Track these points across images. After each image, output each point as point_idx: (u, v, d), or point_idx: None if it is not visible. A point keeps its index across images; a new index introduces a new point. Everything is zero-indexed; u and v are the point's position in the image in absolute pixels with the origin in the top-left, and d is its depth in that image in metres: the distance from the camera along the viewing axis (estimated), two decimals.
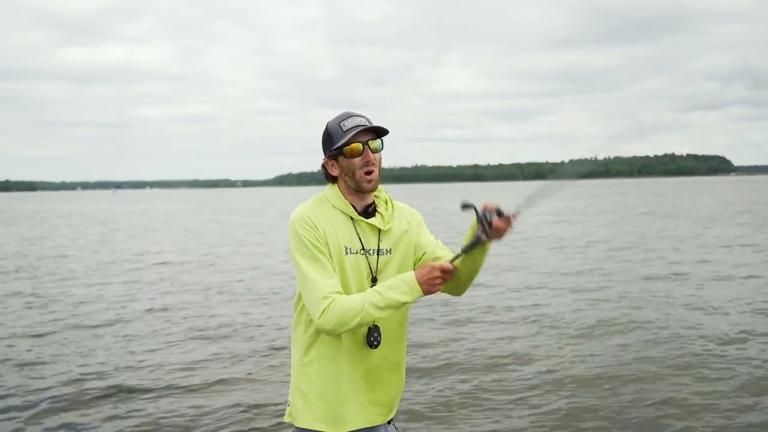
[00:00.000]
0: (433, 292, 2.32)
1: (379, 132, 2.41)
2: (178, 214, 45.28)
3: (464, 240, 2.33)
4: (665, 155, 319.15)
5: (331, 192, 2.46)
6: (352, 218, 2.43)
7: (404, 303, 2.29)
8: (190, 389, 6.10)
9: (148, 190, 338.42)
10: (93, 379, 6.42)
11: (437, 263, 2.30)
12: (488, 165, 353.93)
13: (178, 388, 6.11)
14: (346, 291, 2.36)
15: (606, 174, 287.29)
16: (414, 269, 2.41)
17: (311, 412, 2.42)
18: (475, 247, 2.25)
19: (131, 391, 6.05)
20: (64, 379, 6.42)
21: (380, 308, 2.27)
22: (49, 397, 5.88)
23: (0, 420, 5.35)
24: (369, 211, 2.47)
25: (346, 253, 2.39)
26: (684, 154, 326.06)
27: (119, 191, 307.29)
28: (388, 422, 2.55)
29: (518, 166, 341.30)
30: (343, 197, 2.44)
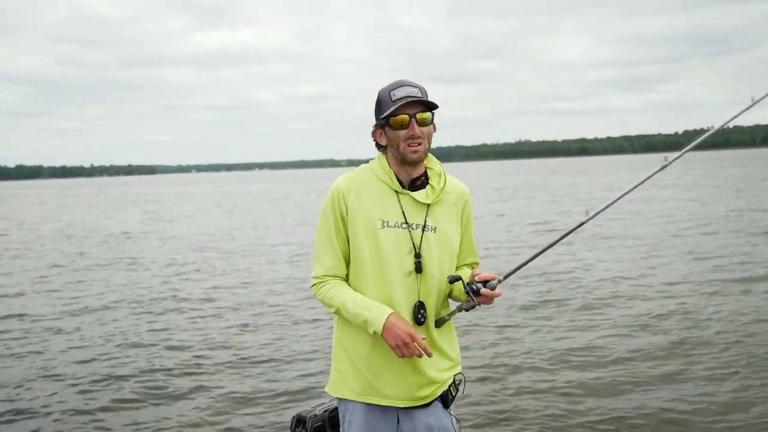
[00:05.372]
0: (399, 354, 2.26)
1: (431, 105, 2.33)
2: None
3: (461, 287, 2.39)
4: None
5: (377, 162, 2.42)
6: (396, 191, 2.37)
7: (363, 325, 2.30)
8: None
9: (257, 172, 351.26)
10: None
11: (418, 337, 2.25)
12: (596, 138, 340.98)
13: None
14: (383, 266, 2.34)
15: (724, 144, 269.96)
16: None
17: (347, 383, 2.43)
18: (467, 310, 2.36)
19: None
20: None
21: (349, 314, 2.33)
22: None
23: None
24: (417, 184, 2.40)
25: (382, 227, 2.34)
26: None
27: (229, 173, 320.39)
28: (446, 407, 2.48)
29: (628, 138, 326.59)
30: (389, 168, 2.38)
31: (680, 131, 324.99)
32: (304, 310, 8.92)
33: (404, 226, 2.35)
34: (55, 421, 5.36)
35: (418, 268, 2.35)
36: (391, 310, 2.28)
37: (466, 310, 2.34)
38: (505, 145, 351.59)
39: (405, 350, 2.23)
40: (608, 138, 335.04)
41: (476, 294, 2.26)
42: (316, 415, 2.74)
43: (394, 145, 2.34)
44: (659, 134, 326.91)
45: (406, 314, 2.35)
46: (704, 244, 13.32)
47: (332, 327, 2.55)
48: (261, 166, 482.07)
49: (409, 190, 2.38)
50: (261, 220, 25.01)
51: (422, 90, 2.33)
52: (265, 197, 45.63)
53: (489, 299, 2.28)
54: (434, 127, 2.38)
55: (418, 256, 2.34)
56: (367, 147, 2.52)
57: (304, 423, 2.71)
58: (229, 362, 6.75)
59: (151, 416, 5.41)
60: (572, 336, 7.10)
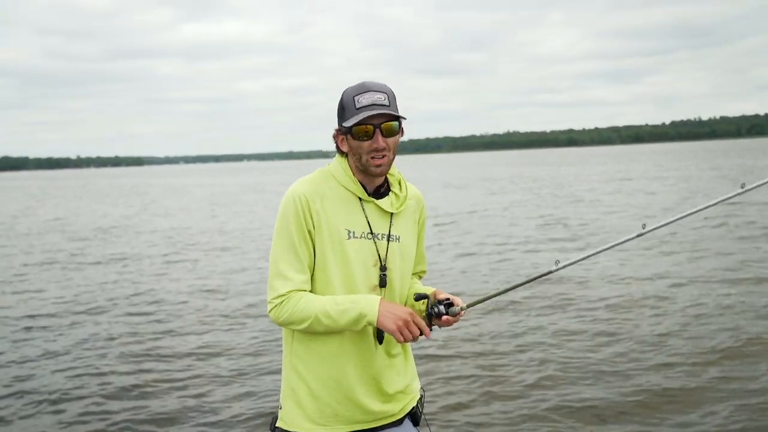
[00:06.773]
0: (400, 339, 2.07)
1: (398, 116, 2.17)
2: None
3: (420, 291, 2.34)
4: None
5: (338, 166, 2.22)
6: (360, 198, 2.20)
7: (354, 322, 2.08)
8: None
9: (245, 163, 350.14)
10: None
11: (416, 315, 2.09)
12: (583, 129, 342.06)
13: None
14: (350, 279, 2.16)
15: (711, 135, 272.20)
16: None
17: (306, 414, 2.20)
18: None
19: None
20: None
21: (332, 318, 2.08)
22: None
23: None
24: (381, 192, 2.24)
25: (348, 237, 2.16)
26: None
27: (218, 164, 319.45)
28: (416, 425, 2.36)
29: (615, 129, 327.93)
30: (351, 174, 2.20)
31: (667, 122, 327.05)
32: None
33: (369, 236, 2.19)
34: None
35: (383, 282, 2.20)
36: (379, 296, 2.13)
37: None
38: (494, 136, 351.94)
39: (406, 331, 2.06)
40: (596, 129, 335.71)
41: (437, 317, 2.18)
42: None
43: (356, 154, 2.16)
44: (647, 125, 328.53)
45: (373, 330, 2.22)
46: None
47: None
48: (249, 157, 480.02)
49: (373, 197, 2.22)
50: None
51: (390, 95, 2.15)
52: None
53: (448, 323, 2.18)
54: (402, 132, 2.21)
55: (383, 268, 2.20)
56: None
57: None
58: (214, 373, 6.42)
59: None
60: (547, 331, 6.98)
